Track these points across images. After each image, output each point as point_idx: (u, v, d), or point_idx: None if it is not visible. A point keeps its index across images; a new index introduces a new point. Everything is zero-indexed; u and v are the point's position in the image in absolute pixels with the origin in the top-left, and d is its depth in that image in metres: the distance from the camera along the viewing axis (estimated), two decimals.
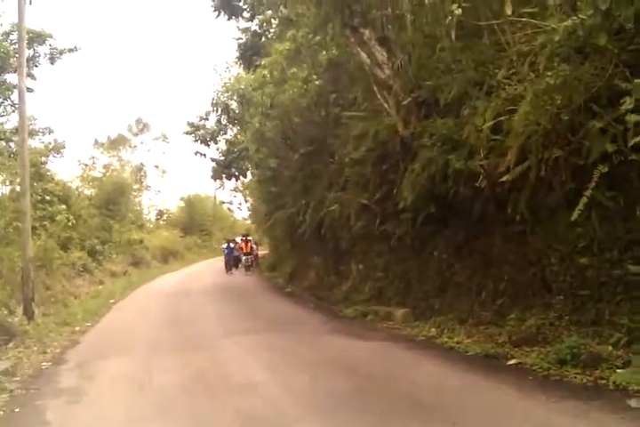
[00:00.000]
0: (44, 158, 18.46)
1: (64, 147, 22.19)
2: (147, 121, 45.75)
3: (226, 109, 22.16)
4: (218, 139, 27.64)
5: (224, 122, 24.76)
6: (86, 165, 26.77)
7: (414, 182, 7.85)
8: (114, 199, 24.26)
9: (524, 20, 5.91)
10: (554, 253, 6.03)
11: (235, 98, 19.94)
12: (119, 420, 4.74)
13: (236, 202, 42.60)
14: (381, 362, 6.33)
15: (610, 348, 5.05)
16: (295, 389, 5.27)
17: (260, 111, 15.76)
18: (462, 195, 7.01)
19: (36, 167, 15.80)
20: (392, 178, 8.90)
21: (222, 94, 21.90)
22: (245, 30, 18.25)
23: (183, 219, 41.88)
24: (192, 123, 27.98)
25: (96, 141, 40.69)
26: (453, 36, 7.16)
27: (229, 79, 21.56)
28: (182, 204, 44.49)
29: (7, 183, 14.35)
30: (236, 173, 28.68)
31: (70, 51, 21.00)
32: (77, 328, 10.17)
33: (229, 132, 26.99)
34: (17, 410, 5.17)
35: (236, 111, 21.07)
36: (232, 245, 24.25)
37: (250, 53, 18.03)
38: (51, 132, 22.28)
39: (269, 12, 16.11)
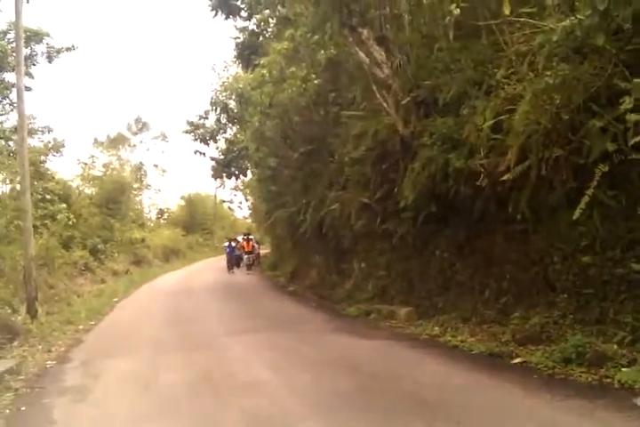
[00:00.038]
0: (43, 157, 18.50)
1: (63, 146, 22.24)
2: (146, 120, 45.93)
3: (225, 109, 22.23)
4: (217, 138, 27.76)
5: (223, 121, 24.84)
6: (86, 164, 26.80)
7: (415, 181, 7.86)
8: (114, 198, 24.22)
9: (522, 20, 5.90)
10: (556, 252, 6.03)
11: (233, 97, 19.97)
12: (125, 418, 4.75)
13: (236, 201, 42.70)
14: (385, 361, 6.32)
15: (615, 346, 5.05)
16: (299, 388, 5.29)
17: (259, 110, 15.74)
18: (463, 194, 7.01)
19: (36, 166, 15.81)
20: (392, 177, 8.92)
21: (221, 93, 21.95)
22: (243, 29, 18.20)
23: (184, 218, 41.88)
24: (191, 122, 28.04)
25: (95, 140, 40.85)
26: (451, 36, 7.20)
27: (228, 78, 21.60)
28: (183, 202, 44.51)
29: (7, 182, 14.40)
30: (236, 172, 28.75)
31: (68, 50, 21.05)
32: (81, 327, 10.17)
33: (229, 131, 27.08)
34: (23, 409, 5.18)
35: (235, 110, 21.10)
36: (234, 243, 24.25)
37: (248, 53, 18.01)
38: (50, 131, 22.38)
39: (267, 11, 16.09)
